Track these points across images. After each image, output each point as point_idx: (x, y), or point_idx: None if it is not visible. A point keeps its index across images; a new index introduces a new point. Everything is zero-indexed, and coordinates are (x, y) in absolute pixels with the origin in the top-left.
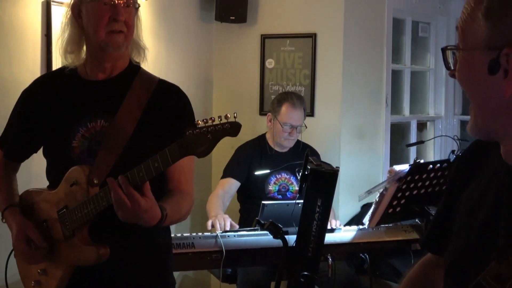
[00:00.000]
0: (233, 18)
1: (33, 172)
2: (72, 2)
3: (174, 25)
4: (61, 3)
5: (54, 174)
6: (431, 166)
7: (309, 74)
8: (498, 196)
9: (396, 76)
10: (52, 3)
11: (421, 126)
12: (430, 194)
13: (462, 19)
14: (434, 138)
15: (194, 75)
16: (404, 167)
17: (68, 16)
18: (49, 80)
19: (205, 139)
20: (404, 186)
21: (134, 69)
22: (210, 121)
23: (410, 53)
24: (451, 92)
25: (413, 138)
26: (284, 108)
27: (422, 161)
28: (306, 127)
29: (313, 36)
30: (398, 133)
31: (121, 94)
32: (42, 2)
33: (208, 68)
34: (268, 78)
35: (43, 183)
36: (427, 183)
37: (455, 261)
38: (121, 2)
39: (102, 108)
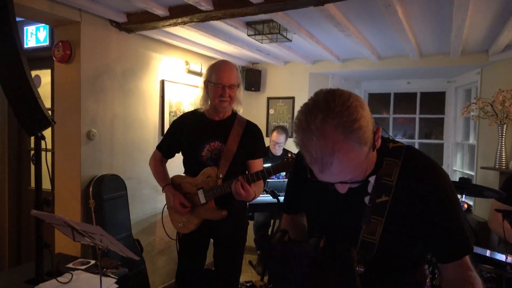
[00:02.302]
0: (254, 88)
1: (171, 165)
2: (204, 80)
3: None
4: (171, 81)
5: (188, 166)
6: None
7: (290, 116)
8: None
9: None
10: (165, 81)
11: None
12: None
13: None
14: None
15: None
16: None
17: (202, 86)
18: (189, 116)
19: (292, 164)
20: None
21: (235, 115)
22: (290, 155)
23: None
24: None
25: None
26: (273, 133)
27: None
28: (285, 143)
29: (293, 98)
30: None
31: (228, 128)
32: (160, 81)
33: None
34: (270, 119)
35: (176, 169)
36: None
37: (316, 218)
38: (227, 85)
39: (218, 136)
